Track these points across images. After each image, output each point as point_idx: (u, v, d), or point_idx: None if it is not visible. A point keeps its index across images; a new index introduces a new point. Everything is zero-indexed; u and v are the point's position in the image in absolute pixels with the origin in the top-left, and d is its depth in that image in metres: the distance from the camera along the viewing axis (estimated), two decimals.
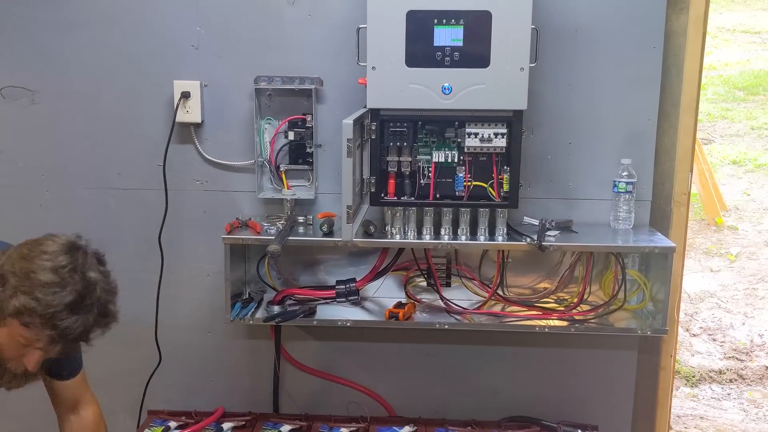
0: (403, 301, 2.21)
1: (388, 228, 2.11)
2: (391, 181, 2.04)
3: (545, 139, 2.16)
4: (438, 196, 2.05)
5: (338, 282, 2.20)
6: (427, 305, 2.22)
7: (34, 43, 2.23)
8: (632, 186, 2.11)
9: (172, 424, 2.20)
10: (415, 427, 2.19)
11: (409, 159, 2.03)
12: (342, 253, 2.28)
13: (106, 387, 2.42)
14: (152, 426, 2.20)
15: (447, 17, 1.91)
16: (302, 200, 2.22)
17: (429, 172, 2.04)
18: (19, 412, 2.39)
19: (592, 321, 2.14)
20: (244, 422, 2.21)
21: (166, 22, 2.19)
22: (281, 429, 2.17)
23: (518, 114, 1.97)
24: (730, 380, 3.88)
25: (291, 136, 2.17)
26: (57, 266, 1.43)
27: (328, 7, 2.14)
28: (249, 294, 2.25)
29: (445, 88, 1.94)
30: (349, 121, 1.81)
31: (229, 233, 2.10)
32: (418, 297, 2.25)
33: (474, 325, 2.16)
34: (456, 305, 2.19)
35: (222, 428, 2.17)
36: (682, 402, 3.63)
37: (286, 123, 2.17)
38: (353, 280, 2.20)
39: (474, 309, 2.19)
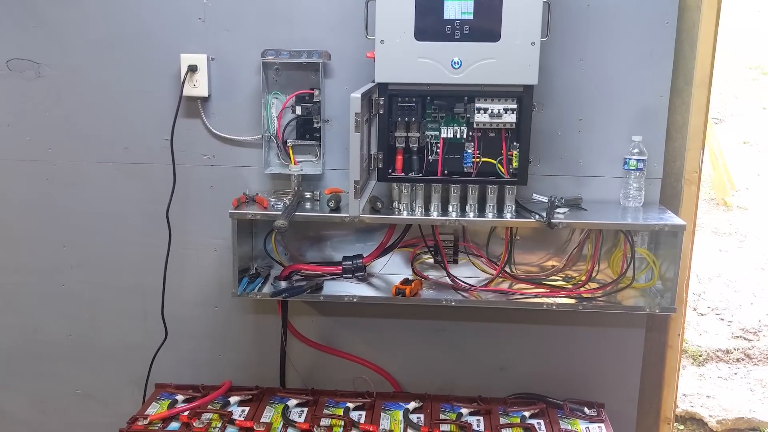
0: (410, 277, 2.21)
1: (395, 204, 2.10)
2: (399, 157, 2.03)
3: (555, 115, 2.14)
4: (446, 172, 2.04)
5: (345, 258, 2.20)
6: (434, 282, 2.22)
7: (40, 15, 2.21)
8: (643, 163, 2.09)
9: (179, 397, 2.22)
10: (421, 403, 2.19)
11: (418, 134, 2.02)
12: (349, 229, 2.27)
13: (114, 359, 2.46)
14: (159, 399, 2.22)
15: None
16: (309, 176, 2.21)
17: (437, 147, 2.02)
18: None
19: (600, 299, 2.13)
20: (250, 396, 2.22)
21: None
22: (288, 403, 2.18)
23: (528, 89, 1.94)
24: (737, 360, 3.88)
25: (298, 110, 2.15)
26: None
27: None
28: (256, 269, 2.25)
29: (454, 63, 1.91)
30: (357, 95, 1.79)
31: (236, 208, 2.09)
32: (425, 274, 2.25)
33: (481, 302, 2.16)
34: (463, 282, 2.19)
35: (229, 402, 2.18)
36: (688, 381, 3.64)
37: (294, 97, 2.15)
38: (360, 256, 2.19)
39: (481, 286, 2.18)
